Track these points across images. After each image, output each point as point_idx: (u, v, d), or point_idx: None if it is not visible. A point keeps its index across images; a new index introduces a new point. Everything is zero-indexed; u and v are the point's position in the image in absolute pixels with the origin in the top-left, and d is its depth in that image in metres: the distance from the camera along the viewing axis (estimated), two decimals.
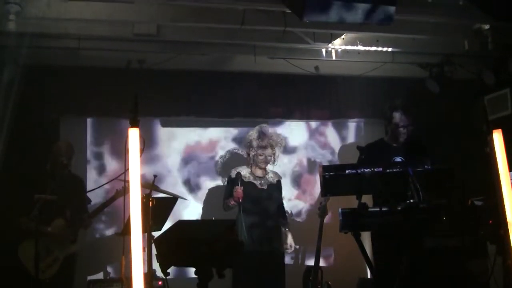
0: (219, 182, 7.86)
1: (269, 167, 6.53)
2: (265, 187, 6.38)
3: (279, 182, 6.56)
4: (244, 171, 6.39)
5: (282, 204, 6.64)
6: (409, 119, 5.77)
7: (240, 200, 6.08)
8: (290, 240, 6.51)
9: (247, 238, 6.03)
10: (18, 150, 6.49)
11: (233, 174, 6.35)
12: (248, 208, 6.20)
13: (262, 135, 6.34)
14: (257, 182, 6.37)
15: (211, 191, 7.83)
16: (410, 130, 5.79)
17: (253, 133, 6.44)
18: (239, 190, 6.10)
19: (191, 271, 3.98)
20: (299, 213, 8.12)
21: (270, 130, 6.48)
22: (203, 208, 7.79)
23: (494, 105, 7.37)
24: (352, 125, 8.56)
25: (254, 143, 6.34)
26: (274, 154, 6.43)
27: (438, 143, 7.16)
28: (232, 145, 8.07)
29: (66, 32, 6.44)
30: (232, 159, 7.86)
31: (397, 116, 5.75)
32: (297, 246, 7.73)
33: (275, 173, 6.59)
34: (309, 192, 8.22)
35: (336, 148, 8.44)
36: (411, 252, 4.49)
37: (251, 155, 6.41)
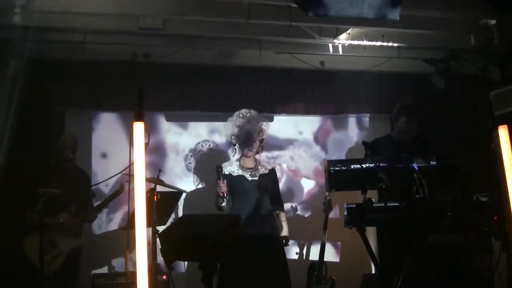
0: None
1: (259, 156, 6.25)
2: (256, 178, 6.03)
3: (272, 170, 6.23)
4: (233, 166, 6.08)
5: (278, 192, 6.30)
6: (414, 125, 5.78)
7: (225, 195, 5.73)
8: (285, 232, 6.15)
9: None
10: (23, 144, 6.50)
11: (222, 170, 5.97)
12: (240, 202, 5.93)
13: (243, 120, 6.06)
14: (247, 174, 6.03)
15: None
16: (413, 134, 5.80)
17: (233, 119, 6.12)
18: (221, 184, 5.71)
19: (196, 266, 3.98)
20: (304, 208, 8.11)
21: (252, 115, 6.14)
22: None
23: (500, 101, 7.34)
24: (357, 120, 8.54)
25: (236, 130, 6.03)
26: (260, 140, 6.11)
27: (443, 139, 7.14)
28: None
29: (71, 26, 6.43)
30: (207, 155, 7.86)
31: (401, 121, 5.78)
32: (302, 241, 7.76)
33: (267, 162, 6.38)
34: (314, 186, 8.21)
35: (340, 143, 8.42)
36: (415, 248, 4.49)
37: (236, 145, 6.13)
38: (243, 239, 4.64)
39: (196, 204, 7.34)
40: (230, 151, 6.45)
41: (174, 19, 6.62)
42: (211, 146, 7.92)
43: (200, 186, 7.76)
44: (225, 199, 5.76)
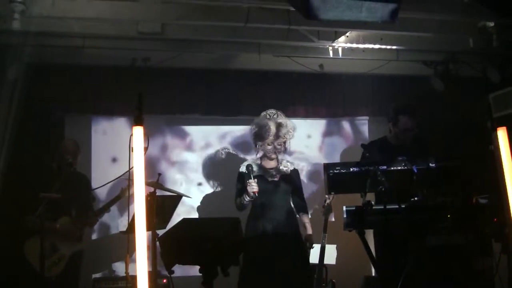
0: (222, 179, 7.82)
1: (282, 156, 6.17)
2: (276, 178, 5.98)
3: (294, 171, 6.16)
4: (253, 165, 5.91)
5: (301, 194, 6.21)
6: (415, 123, 5.77)
7: (256, 195, 5.65)
8: (309, 233, 6.07)
9: (260, 233, 5.78)
10: (23, 149, 6.51)
11: (243, 168, 6.01)
12: (259, 203, 5.86)
13: (269, 122, 5.92)
14: (267, 175, 5.98)
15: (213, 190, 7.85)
16: (415, 133, 5.80)
17: (259, 120, 6.03)
18: (253, 183, 5.64)
19: (196, 269, 3.99)
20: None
21: (279, 116, 6.03)
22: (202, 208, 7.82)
23: (499, 103, 7.35)
24: (356, 123, 8.55)
25: (262, 132, 5.91)
26: (284, 142, 6.00)
27: (443, 141, 7.15)
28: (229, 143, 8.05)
29: (70, 31, 6.43)
30: (225, 160, 7.87)
31: (403, 120, 5.75)
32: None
33: (290, 163, 6.22)
34: (314, 190, 8.21)
35: (339, 146, 8.43)
36: (415, 250, 4.50)
37: (258, 146, 6.03)
38: (245, 242, 4.65)
39: (214, 207, 7.52)
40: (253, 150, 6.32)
41: (173, 24, 6.63)
42: (231, 151, 7.96)
43: (218, 189, 7.83)
44: (254, 198, 5.73)
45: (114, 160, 7.57)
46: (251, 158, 6.32)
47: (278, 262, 5.69)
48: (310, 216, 6.34)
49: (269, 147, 5.95)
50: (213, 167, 7.87)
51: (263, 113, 6.08)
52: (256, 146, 6.09)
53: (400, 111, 5.79)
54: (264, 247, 5.72)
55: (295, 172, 6.20)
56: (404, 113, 5.76)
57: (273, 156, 6.04)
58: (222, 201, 7.05)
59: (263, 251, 5.70)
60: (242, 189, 5.89)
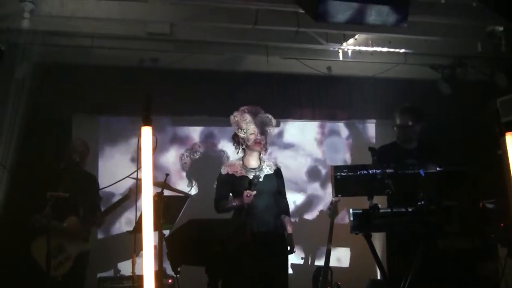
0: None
1: (263, 157, 5.99)
2: (260, 179, 5.71)
3: (277, 171, 5.96)
4: (235, 165, 5.85)
5: (284, 195, 6.02)
6: (412, 120, 5.81)
7: (246, 206, 5.52)
8: (289, 239, 5.83)
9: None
10: (30, 148, 6.52)
11: (225, 170, 5.84)
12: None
13: (249, 113, 5.82)
14: (250, 175, 5.74)
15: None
16: (415, 131, 5.83)
17: (238, 113, 5.87)
18: (251, 196, 5.51)
19: (202, 270, 4.00)
20: (309, 213, 8.10)
21: (257, 110, 5.90)
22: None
23: (506, 108, 7.32)
24: (364, 126, 8.54)
25: (243, 124, 5.79)
26: (265, 138, 5.85)
27: (449, 145, 7.14)
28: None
29: (79, 31, 6.44)
30: (204, 157, 7.85)
31: (399, 117, 5.83)
32: (307, 246, 7.74)
33: (271, 163, 6.03)
34: (319, 192, 8.20)
35: (345, 148, 8.43)
36: (422, 254, 4.49)
37: (241, 138, 5.82)
38: (249, 244, 4.63)
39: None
40: (233, 148, 6.10)
41: (182, 25, 6.63)
42: (210, 147, 7.93)
43: (193, 191, 7.70)
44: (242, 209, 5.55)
45: (123, 160, 7.57)
46: (233, 158, 6.14)
47: (259, 264, 5.47)
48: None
49: (252, 136, 5.78)
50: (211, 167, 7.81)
51: (242, 108, 5.90)
52: (238, 143, 5.92)
53: (398, 109, 5.90)
54: (246, 250, 5.50)
55: (279, 171, 6.01)
56: (401, 110, 5.85)
57: (257, 149, 5.83)
58: None
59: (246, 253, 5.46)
60: (228, 193, 5.78)
